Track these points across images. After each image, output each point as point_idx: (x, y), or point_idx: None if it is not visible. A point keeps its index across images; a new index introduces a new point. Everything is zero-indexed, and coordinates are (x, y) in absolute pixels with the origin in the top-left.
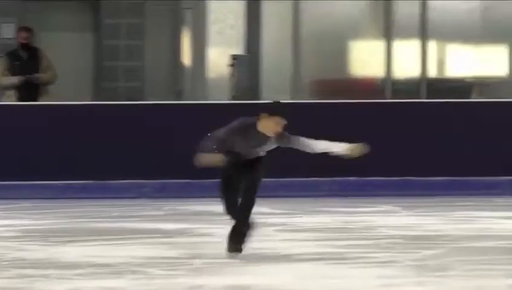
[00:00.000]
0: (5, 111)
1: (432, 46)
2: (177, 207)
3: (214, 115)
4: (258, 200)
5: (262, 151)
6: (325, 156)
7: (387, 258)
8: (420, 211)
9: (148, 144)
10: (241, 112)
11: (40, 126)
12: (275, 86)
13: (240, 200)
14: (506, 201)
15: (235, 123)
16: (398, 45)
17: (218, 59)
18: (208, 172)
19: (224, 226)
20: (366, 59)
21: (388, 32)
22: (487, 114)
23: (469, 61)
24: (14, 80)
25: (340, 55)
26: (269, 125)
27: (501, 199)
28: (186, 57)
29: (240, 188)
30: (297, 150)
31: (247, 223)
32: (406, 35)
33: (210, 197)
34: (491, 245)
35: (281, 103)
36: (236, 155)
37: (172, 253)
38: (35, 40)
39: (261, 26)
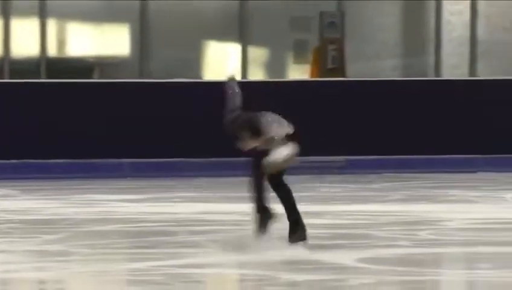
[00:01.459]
0: None
1: (52, 25)
2: None
3: None
4: None
5: None
6: None
7: (6, 243)
8: (39, 194)
9: None
10: None
11: None
12: None
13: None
14: (127, 184)
15: None
16: (17, 24)
17: None
18: None
19: None
20: None
21: (6, 9)
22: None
23: (90, 41)
24: None
25: None
26: None
27: (121, 182)
28: None
29: None
30: None
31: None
32: (25, 13)
33: None
34: (112, 229)
35: None
36: None
37: None
38: None
39: None
